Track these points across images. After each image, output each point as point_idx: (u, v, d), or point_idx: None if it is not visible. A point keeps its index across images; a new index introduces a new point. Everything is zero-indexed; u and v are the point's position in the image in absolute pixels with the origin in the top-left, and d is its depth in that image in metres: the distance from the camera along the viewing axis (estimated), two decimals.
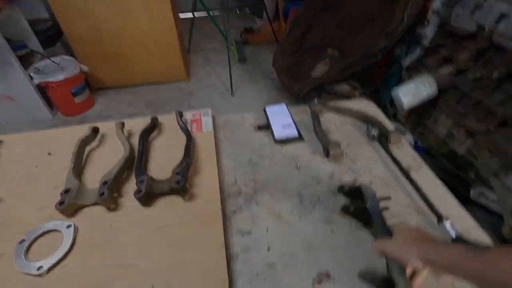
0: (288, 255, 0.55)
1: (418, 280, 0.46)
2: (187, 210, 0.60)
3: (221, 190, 0.67)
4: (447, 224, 0.55)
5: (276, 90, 2.35)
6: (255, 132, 0.83)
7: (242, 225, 0.60)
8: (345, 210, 0.60)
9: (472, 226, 0.59)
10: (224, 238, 0.56)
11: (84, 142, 0.72)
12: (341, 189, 0.65)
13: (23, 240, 0.55)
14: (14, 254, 0.53)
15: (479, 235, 0.57)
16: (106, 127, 0.80)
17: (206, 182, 0.66)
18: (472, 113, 0.93)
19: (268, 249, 0.57)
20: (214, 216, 0.59)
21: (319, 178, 0.70)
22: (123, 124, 0.77)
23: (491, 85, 0.89)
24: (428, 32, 1.11)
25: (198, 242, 0.55)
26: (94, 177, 0.67)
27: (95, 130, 0.76)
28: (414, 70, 1.21)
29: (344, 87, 1.92)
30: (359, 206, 0.58)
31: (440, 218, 0.57)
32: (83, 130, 0.76)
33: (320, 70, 1.91)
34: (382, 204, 0.58)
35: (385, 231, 0.52)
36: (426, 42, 1.12)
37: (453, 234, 0.54)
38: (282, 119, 0.84)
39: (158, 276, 0.50)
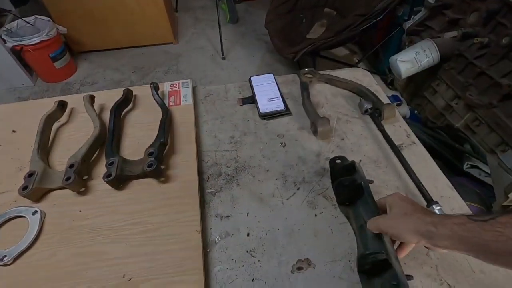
0: (268, 240, 0.53)
1: (404, 252, 0.45)
2: (162, 194, 0.57)
3: (200, 171, 0.63)
4: (436, 208, 0.52)
5: (270, 53, 2.22)
6: (239, 105, 0.77)
7: (221, 209, 0.57)
8: (339, 185, 0.55)
9: (462, 208, 0.57)
10: (201, 223, 0.54)
11: (50, 118, 0.66)
12: (333, 162, 0.60)
13: None
14: None
15: None
16: (75, 100, 0.73)
17: (183, 162, 0.62)
18: (474, 84, 0.86)
19: (248, 234, 0.54)
20: (191, 200, 0.56)
21: (305, 157, 0.65)
22: (92, 98, 0.70)
23: (498, 53, 0.81)
24: None
25: (173, 228, 0.52)
26: (62, 157, 0.62)
27: (62, 104, 0.69)
28: (416, 34, 1.10)
29: (342, 52, 1.81)
30: (352, 182, 0.53)
31: (429, 202, 0.54)
32: (50, 104, 0.69)
33: (316, 31, 1.77)
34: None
35: (376, 210, 0.48)
36: (431, 0, 1.01)
37: None
38: (268, 90, 0.77)
39: (130, 265, 0.48)
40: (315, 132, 0.68)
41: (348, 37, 1.40)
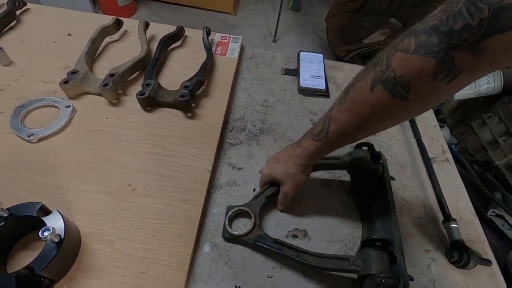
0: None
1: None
2: (185, 127, 0.58)
3: (226, 120, 0.63)
4: (452, 225, 0.50)
5: (320, 49, 2.17)
6: (281, 74, 0.76)
7: (236, 160, 0.57)
8: (360, 171, 0.52)
9: (479, 237, 0.53)
10: (213, 166, 0.54)
11: (104, 31, 0.69)
12: (359, 147, 0.56)
13: (23, 106, 0.55)
14: (11, 115, 0.54)
15: (482, 247, 0.51)
16: (130, 24, 0.76)
17: (213, 105, 0.62)
18: None
19: (254, 190, 0.54)
20: (211, 141, 0.56)
21: None
22: (147, 24, 0.72)
23: None
24: None
25: (186, 159, 0.53)
26: (104, 68, 0.65)
27: (118, 23, 0.72)
28: None
29: None
30: (374, 171, 0.51)
31: (447, 218, 0.51)
32: (108, 20, 0.72)
33: (375, 39, 1.71)
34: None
35: (393, 207, 0.47)
36: None
37: (455, 236, 0.49)
38: (313, 68, 0.76)
39: (137, 177, 0.49)
40: None
41: None
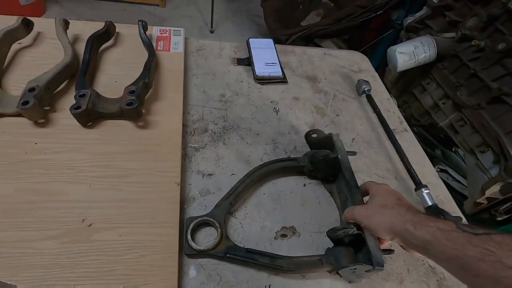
0: (253, 204, 0.49)
1: (382, 244, 0.40)
2: (139, 139, 0.50)
3: (184, 124, 0.56)
4: (425, 192, 0.52)
5: (260, 36, 2.15)
6: (233, 65, 0.71)
7: (204, 166, 0.52)
8: (314, 159, 0.51)
9: (446, 196, 0.57)
10: (181, 177, 0.48)
11: (10, 36, 0.55)
12: (309, 135, 0.57)
13: None
14: None
15: (451, 206, 0.55)
16: (44, 24, 0.63)
17: (167, 110, 0.55)
18: (465, 85, 0.89)
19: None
20: (172, 150, 0.49)
21: (298, 127, 0.62)
22: (66, 23, 0.60)
23: (492, 57, 0.84)
24: None
25: (148, 176, 0.45)
26: (19, 81, 0.52)
27: (27, 23, 0.58)
28: (415, 31, 1.12)
29: (330, 45, 1.80)
30: (328, 156, 0.50)
31: (418, 185, 0.53)
32: (11, 21, 0.57)
33: (311, 20, 1.75)
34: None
35: (355, 185, 0.46)
36: (434, 0, 1.02)
37: (428, 202, 0.51)
38: (266, 55, 0.72)
39: (92, 209, 0.41)
40: None
41: (346, 27, 1.39)
